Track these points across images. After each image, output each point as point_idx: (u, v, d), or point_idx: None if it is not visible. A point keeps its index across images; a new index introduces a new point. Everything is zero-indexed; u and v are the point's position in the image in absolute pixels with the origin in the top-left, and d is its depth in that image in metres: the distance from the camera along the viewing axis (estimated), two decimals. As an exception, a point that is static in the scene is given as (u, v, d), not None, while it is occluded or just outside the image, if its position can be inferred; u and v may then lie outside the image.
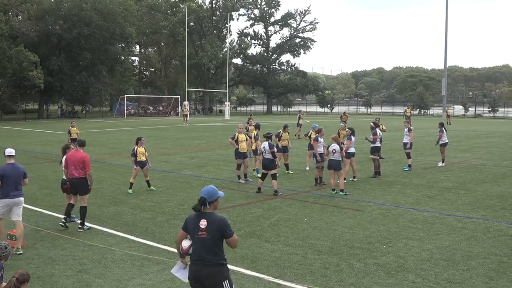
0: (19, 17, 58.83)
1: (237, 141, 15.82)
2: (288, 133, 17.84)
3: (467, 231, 10.10)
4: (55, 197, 13.11)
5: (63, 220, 10.35)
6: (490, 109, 74.35)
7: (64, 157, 10.76)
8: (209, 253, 5.15)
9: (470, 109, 77.50)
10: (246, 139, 16.26)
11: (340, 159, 13.90)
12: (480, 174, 17.33)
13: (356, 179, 15.85)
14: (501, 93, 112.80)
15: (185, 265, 5.54)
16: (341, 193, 13.60)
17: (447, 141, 19.49)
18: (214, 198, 5.29)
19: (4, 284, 5.87)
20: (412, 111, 52.39)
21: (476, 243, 9.33)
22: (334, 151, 13.86)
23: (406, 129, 18.57)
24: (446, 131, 19.46)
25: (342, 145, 14.52)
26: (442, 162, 19.32)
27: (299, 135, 29.37)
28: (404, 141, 18.60)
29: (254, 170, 16.77)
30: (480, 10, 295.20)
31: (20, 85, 52.93)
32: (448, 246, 9.13)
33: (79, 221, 10.35)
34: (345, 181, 14.93)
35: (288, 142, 17.68)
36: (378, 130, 17.38)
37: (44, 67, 53.00)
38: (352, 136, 15.56)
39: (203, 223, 5.18)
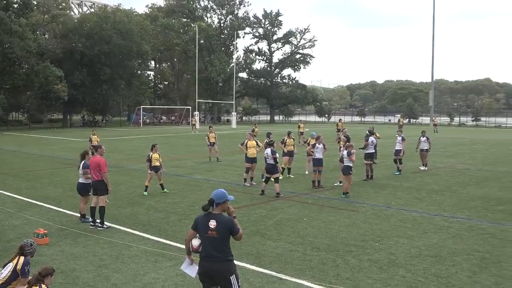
0: (46, 35, 59.41)
1: (246, 147, 15.81)
2: (293, 139, 17.70)
3: (453, 230, 10.05)
4: (77, 199, 12.99)
5: (91, 222, 10.41)
6: (473, 119, 74.15)
7: (82, 162, 10.84)
8: (218, 251, 5.14)
9: (455, 118, 77.30)
10: (258, 145, 16.10)
11: (350, 164, 13.65)
12: (464, 178, 17.25)
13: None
14: (483, 104, 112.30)
15: (192, 261, 5.52)
16: (342, 195, 13.52)
17: (427, 147, 19.40)
18: (222, 200, 5.23)
19: (30, 278, 5.89)
20: (403, 120, 52.38)
21: (461, 240, 9.28)
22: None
23: (399, 138, 18.39)
24: (424, 137, 19.38)
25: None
26: (425, 166, 19.26)
27: (301, 142, 29.29)
28: (396, 148, 18.42)
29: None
30: (464, 29, 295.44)
31: (46, 97, 53.20)
32: (435, 243, 9.08)
33: (91, 221, 10.40)
34: (339, 184, 14.91)
35: (294, 147, 17.54)
36: (371, 138, 17.31)
37: (68, 81, 53.38)
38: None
39: (212, 223, 5.15)
